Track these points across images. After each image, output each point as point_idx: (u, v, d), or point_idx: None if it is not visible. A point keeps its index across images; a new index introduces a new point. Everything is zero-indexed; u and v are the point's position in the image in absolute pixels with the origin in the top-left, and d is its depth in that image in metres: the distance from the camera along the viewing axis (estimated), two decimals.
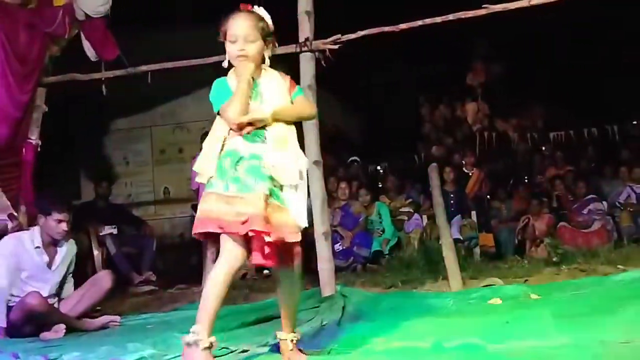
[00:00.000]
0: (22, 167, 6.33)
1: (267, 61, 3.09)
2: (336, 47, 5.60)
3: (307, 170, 3.06)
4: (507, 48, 10.97)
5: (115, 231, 7.24)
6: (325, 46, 5.57)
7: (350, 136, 12.23)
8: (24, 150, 6.38)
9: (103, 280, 5.19)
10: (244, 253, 2.86)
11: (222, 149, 2.97)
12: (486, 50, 11.24)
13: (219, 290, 2.82)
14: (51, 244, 4.93)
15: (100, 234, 7.15)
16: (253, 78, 3.03)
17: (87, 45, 6.75)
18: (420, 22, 5.63)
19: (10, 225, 5.59)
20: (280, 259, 2.91)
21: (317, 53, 5.53)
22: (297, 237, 2.92)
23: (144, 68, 6.44)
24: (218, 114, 3.06)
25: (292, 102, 3.09)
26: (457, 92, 11.66)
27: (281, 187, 2.95)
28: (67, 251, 5.03)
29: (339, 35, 5.63)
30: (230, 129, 2.98)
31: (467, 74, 11.30)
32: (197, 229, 2.91)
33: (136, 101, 9.04)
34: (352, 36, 5.68)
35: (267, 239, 2.78)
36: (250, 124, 2.95)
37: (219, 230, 2.85)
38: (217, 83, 3.12)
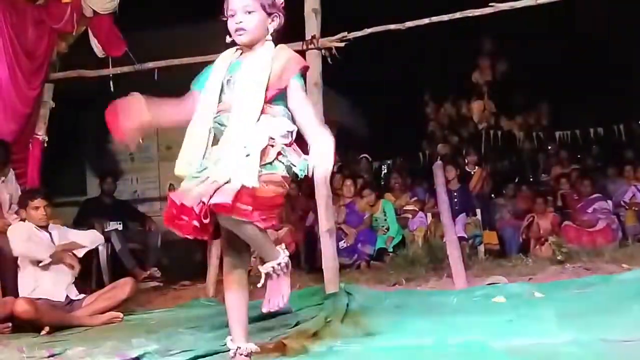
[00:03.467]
0: (29, 162, 6.38)
1: (269, 36, 2.83)
2: (342, 44, 5.61)
3: None
4: (514, 46, 10.93)
5: (120, 227, 7.26)
6: (331, 44, 5.58)
7: (355, 133, 12.23)
8: (30, 145, 6.42)
9: (122, 288, 5.24)
10: None
11: None
12: (492, 48, 11.20)
13: None
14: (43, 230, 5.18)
15: (105, 229, 7.16)
16: (237, 60, 2.88)
17: (94, 42, 6.79)
18: (427, 20, 5.63)
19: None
20: None
21: (323, 50, 5.54)
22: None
23: (150, 65, 6.47)
24: None
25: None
26: (463, 90, 11.64)
27: None
28: (59, 230, 5.28)
29: (345, 33, 5.64)
30: None
31: (473, 72, 11.27)
32: None
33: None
34: (359, 34, 5.69)
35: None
36: None
37: None
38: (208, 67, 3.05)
